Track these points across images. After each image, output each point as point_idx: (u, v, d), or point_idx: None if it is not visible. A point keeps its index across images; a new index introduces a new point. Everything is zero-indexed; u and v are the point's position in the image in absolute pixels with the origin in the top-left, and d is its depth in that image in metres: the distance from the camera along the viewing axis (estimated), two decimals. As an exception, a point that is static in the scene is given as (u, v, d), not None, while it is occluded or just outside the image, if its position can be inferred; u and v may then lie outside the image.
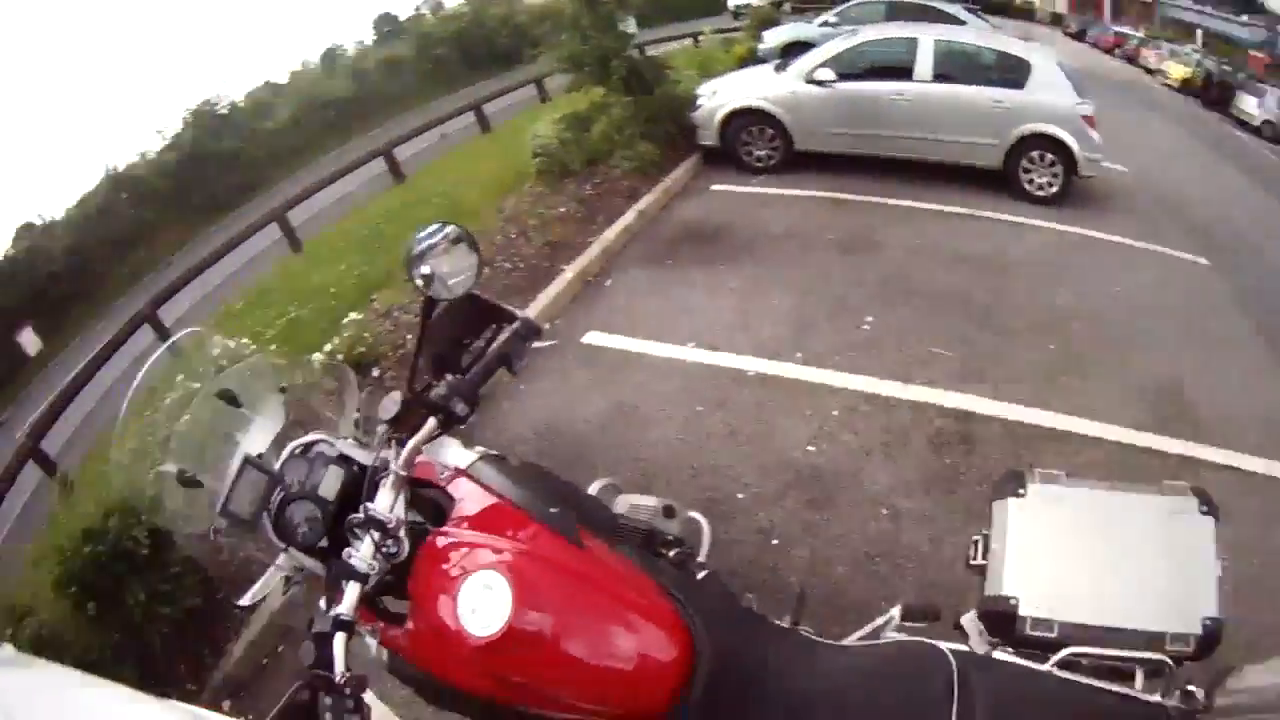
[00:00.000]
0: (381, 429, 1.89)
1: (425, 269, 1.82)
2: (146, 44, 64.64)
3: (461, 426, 1.84)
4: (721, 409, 4.97)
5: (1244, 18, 30.73)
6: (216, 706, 4.31)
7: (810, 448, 4.51)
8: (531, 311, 6.56)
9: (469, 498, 1.95)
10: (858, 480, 4.22)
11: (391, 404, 1.82)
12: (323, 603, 2.22)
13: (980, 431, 4.38)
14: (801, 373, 5.15)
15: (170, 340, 2.67)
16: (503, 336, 1.92)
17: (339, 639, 1.57)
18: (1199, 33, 32.53)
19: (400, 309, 6.87)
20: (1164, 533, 1.83)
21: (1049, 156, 8.31)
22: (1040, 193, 8.40)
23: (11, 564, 4.95)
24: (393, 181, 13.44)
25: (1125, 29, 35.54)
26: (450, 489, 1.99)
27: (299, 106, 36.13)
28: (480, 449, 2.11)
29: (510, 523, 1.84)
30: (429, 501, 2.01)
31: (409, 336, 6.35)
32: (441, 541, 1.80)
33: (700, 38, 18.84)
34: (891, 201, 7.74)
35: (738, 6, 34.56)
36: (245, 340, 2.94)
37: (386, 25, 59.21)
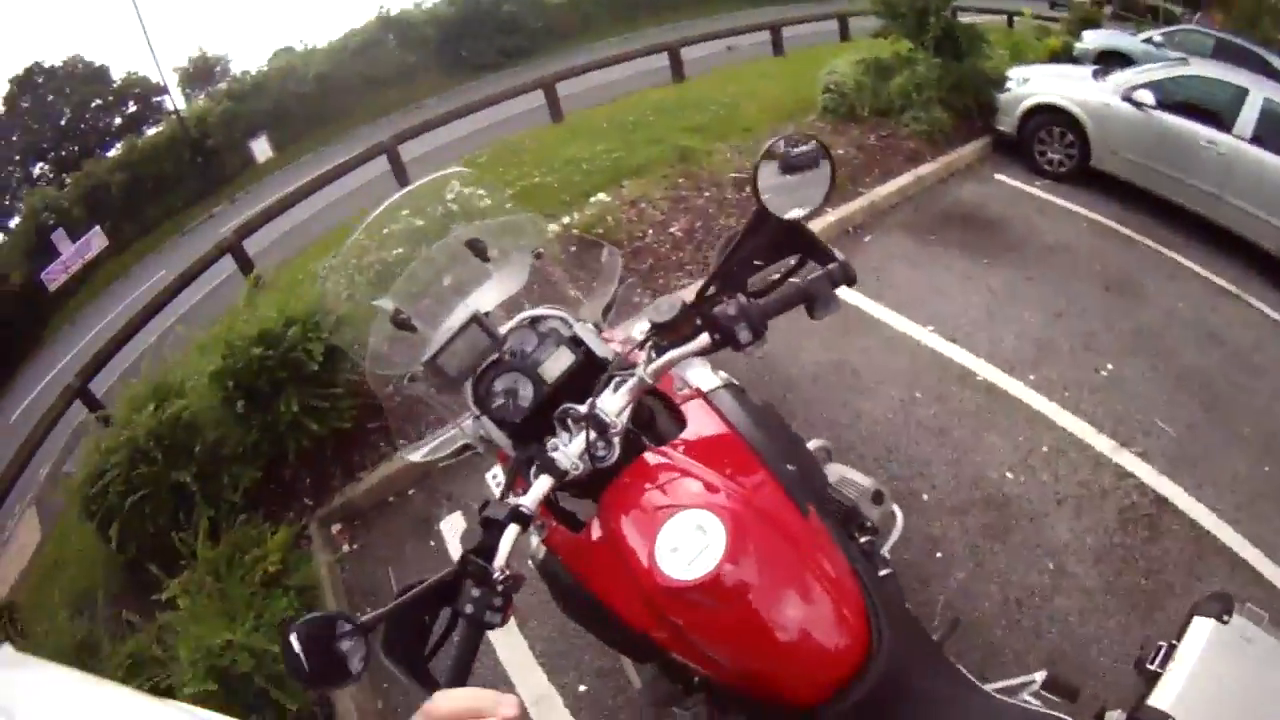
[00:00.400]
0: (642, 328, 1.77)
1: (772, 180, 1.68)
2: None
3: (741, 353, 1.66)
4: (939, 403, 4.87)
5: None
6: (326, 527, 4.55)
7: (1009, 474, 4.35)
8: None
9: (701, 423, 1.84)
10: (1039, 525, 4.05)
11: (669, 307, 1.66)
12: (490, 478, 2.19)
13: (1168, 524, 4.10)
14: (1028, 396, 4.93)
15: (438, 174, 2.62)
16: (813, 274, 1.72)
17: (510, 531, 1.48)
18: None
19: (648, 201, 6.89)
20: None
21: (1336, 264, 7.29)
22: (1317, 297, 7.38)
23: (178, 344, 5.21)
24: (671, 79, 13.20)
25: None
26: (684, 408, 1.89)
27: (586, -17, 35.66)
28: (724, 375, 2.01)
29: (739, 463, 1.71)
30: (647, 412, 1.92)
31: (650, 230, 6.48)
32: (655, 460, 1.70)
33: (1016, 19, 17.80)
34: (1166, 252, 7.09)
35: None
36: (508, 199, 2.92)
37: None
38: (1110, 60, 12.99)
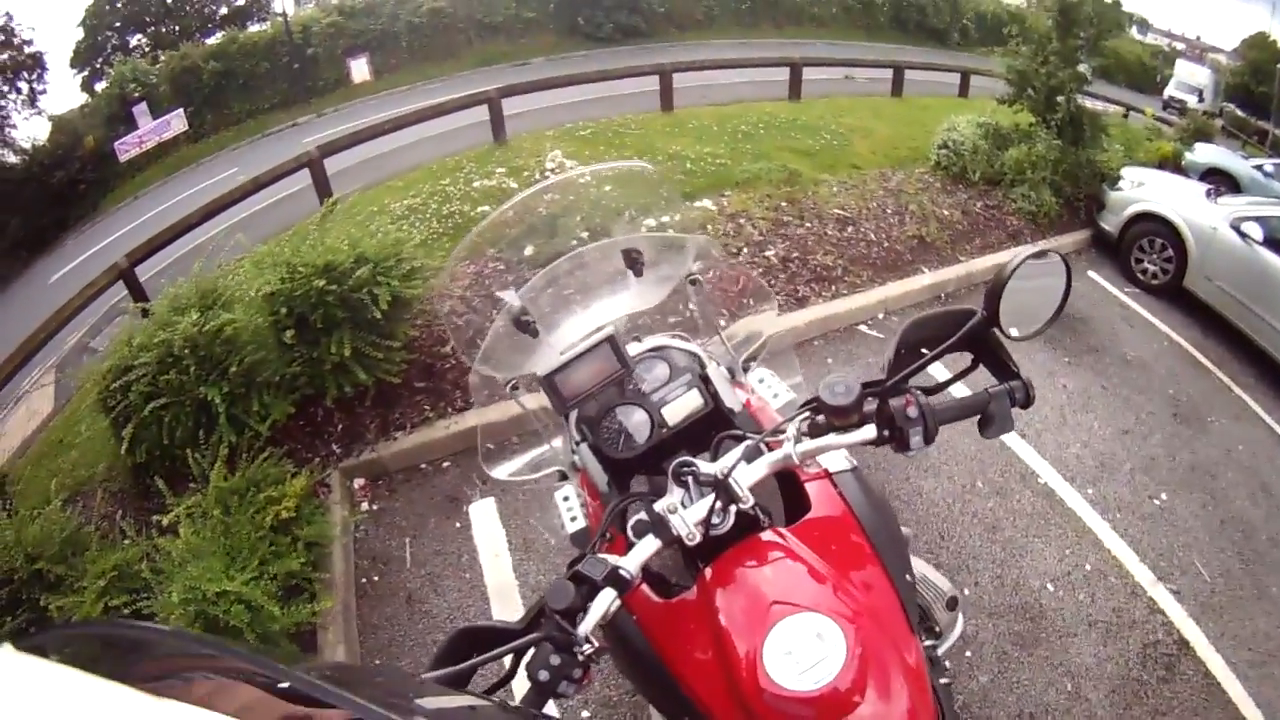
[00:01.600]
0: (790, 401, 1.63)
1: (1008, 293, 1.47)
2: None
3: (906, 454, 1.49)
4: (998, 497, 4.80)
5: None
6: (349, 480, 4.43)
7: (1049, 586, 4.27)
8: (872, 296, 6.38)
9: (825, 508, 1.69)
10: (1066, 644, 3.97)
11: (845, 390, 1.46)
12: (559, 499, 2.02)
13: (1186, 669, 4.02)
14: (1083, 509, 4.82)
15: (619, 163, 2.48)
16: (992, 387, 1.53)
17: (605, 596, 1.32)
18: None
19: (748, 218, 6.82)
20: None
21: None
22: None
23: (235, 251, 5.10)
24: (786, 95, 12.92)
25: None
26: (808, 488, 1.73)
27: (713, -14, 34.78)
28: (850, 457, 1.84)
29: (859, 563, 1.58)
30: (765, 482, 1.72)
31: (745, 249, 6.42)
32: (772, 539, 1.55)
33: (1132, 115, 17.53)
34: (1236, 389, 6.89)
35: (1172, 98, 32.65)
36: (683, 210, 2.77)
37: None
38: (1216, 177, 12.83)
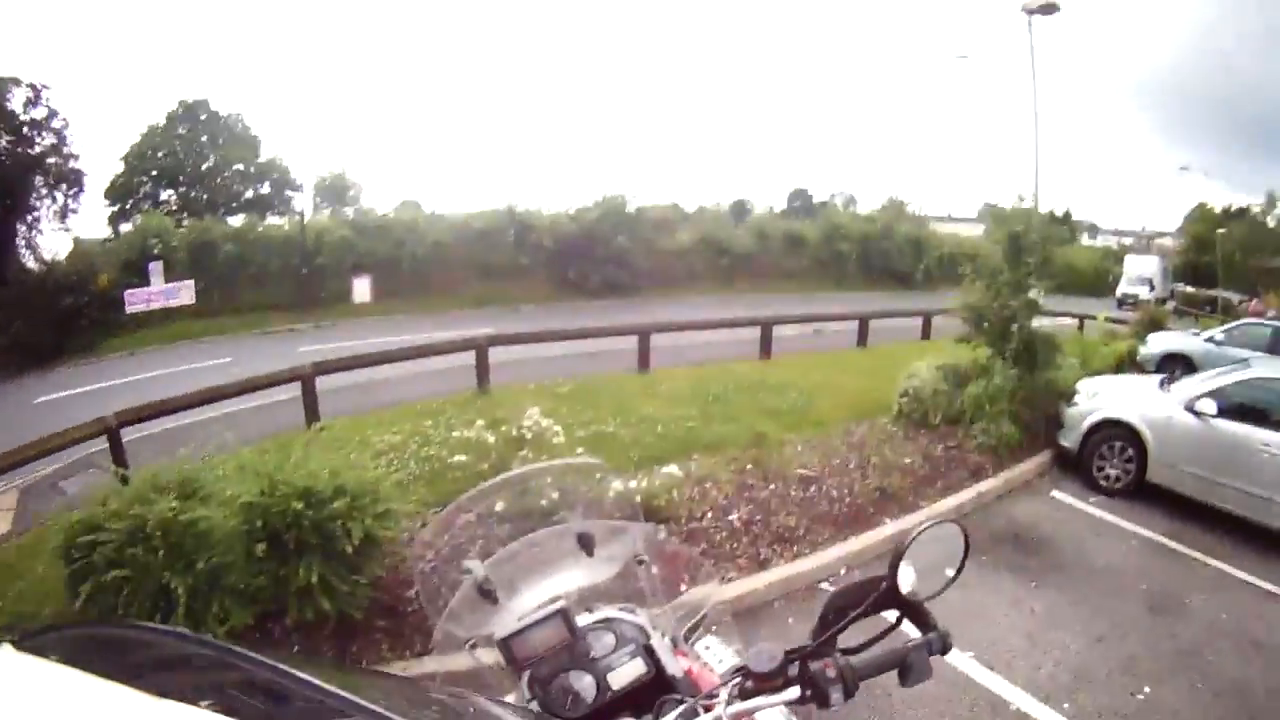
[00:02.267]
0: (733, 667, 1.74)
1: (908, 560, 1.64)
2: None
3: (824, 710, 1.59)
4: None
5: None
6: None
7: None
8: (833, 553, 6.49)
9: None
10: None
11: (769, 658, 1.57)
12: None
13: None
14: None
15: (575, 460, 2.75)
16: (911, 641, 1.66)
17: None
18: None
19: (714, 482, 7.05)
20: None
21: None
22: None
23: (222, 448, 5.33)
24: (758, 355, 13.76)
25: None
26: None
27: (697, 239, 36.37)
28: (786, 713, 1.90)
29: None
30: None
31: (709, 513, 6.59)
32: None
33: (1085, 322, 18.55)
34: (1214, 562, 6.96)
35: (1125, 295, 34.23)
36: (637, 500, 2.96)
37: (797, 200, 61.25)
38: (1172, 363, 13.57)
